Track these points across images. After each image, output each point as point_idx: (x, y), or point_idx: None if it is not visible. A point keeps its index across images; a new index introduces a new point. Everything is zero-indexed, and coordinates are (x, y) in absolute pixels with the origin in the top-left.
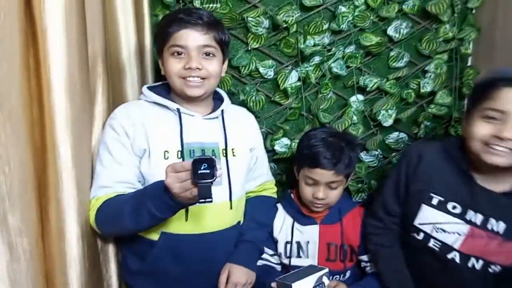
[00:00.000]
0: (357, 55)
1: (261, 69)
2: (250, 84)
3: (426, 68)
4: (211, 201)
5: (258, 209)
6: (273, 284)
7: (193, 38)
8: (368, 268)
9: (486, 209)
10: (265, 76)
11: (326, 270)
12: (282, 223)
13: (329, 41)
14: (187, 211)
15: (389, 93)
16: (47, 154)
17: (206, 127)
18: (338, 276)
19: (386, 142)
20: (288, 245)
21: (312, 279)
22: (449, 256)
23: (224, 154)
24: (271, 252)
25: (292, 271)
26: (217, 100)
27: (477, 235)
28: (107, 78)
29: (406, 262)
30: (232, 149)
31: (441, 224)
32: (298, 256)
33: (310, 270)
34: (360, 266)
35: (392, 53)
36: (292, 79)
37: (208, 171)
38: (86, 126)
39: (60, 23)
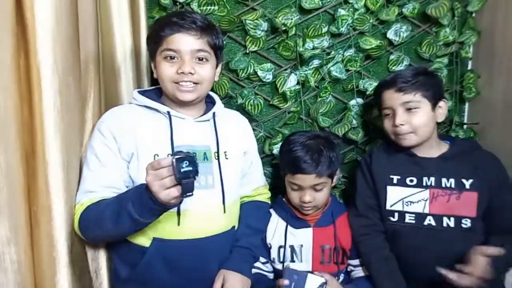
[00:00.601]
0: (357, 58)
1: (259, 72)
2: (248, 87)
3: None
4: (192, 195)
5: (253, 215)
6: (283, 282)
7: (186, 42)
8: (354, 273)
9: (435, 172)
10: (264, 80)
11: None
12: (275, 228)
13: (328, 44)
14: (179, 215)
15: None
16: (36, 159)
17: (197, 130)
18: None
19: None
20: (282, 250)
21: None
22: (425, 223)
23: (216, 157)
24: (263, 260)
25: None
26: (209, 103)
27: (438, 194)
28: (99, 81)
29: (392, 252)
30: (225, 152)
31: (408, 197)
32: (292, 260)
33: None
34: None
35: (392, 57)
36: (291, 83)
37: (191, 168)
38: (76, 130)
39: (50, 25)
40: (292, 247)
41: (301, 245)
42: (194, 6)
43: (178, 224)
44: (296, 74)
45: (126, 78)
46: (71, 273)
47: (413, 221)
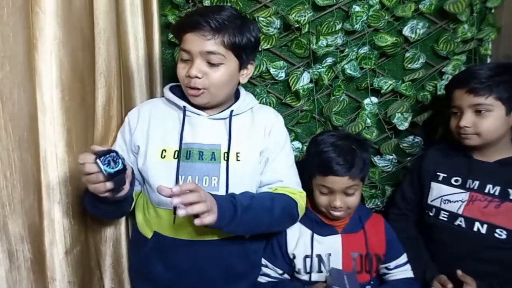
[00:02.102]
0: (371, 56)
1: (272, 70)
2: (261, 85)
3: (443, 70)
4: (123, 188)
5: (261, 195)
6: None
7: (196, 43)
8: (388, 276)
9: (482, 177)
10: (276, 78)
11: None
12: (298, 237)
13: (342, 42)
14: (175, 213)
15: (404, 95)
16: (50, 157)
17: (211, 127)
18: None
19: (401, 146)
20: (308, 260)
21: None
22: (456, 223)
23: (225, 158)
24: (280, 271)
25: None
26: (237, 99)
27: (476, 198)
28: (120, 80)
29: (424, 242)
30: (237, 153)
31: (447, 196)
32: (319, 271)
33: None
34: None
35: (407, 54)
36: (304, 81)
37: (119, 165)
38: (90, 127)
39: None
40: (319, 256)
41: (329, 254)
42: (207, 3)
43: (174, 223)
44: (309, 72)
45: (139, 81)
46: (84, 270)
47: (445, 219)
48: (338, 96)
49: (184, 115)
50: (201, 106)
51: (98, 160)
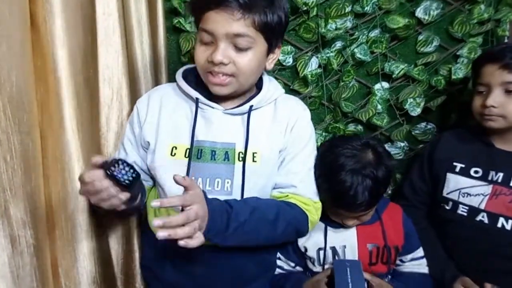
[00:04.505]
0: (382, 39)
1: (279, 56)
2: (268, 71)
3: (458, 53)
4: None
5: (264, 203)
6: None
7: (221, 23)
8: (400, 267)
9: (507, 168)
10: (284, 63)
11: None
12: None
13: (352, 25)
14: None
15: (417, 80)
16: (53, 139)
17: (225, 124)
18: None
19: (413, 133)
20: (322, 252)
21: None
22: (477, 218)
23: (241, 159)
24: (292, 264)
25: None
26: (259, 90)
27: (500, 192)
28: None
29: (439, 238)
30: (253, 153)
31: (466, 189)
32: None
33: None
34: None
35: (420, 37)
36: (312, 66)
37: (133, 171)
38: (96, 107)
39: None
40: (333, 248)
41: (344, 246)
42: None
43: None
44: (317, 57)
45: (144, 68)
46: (94, 258)
47: (465, 214)
48: (347, 82)
49: (197, 107)
50: (221, 97)
51: (110, 172)
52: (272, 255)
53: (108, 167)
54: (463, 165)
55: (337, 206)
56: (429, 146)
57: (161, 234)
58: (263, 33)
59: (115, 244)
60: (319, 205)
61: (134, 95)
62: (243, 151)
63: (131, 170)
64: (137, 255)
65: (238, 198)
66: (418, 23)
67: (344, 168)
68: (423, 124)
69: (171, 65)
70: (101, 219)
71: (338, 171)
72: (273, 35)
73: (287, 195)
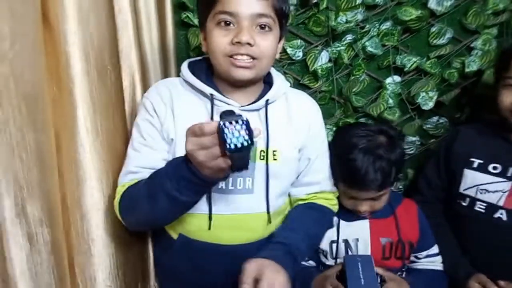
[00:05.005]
0: (394, 32)
1: (288, 50)
2: (277, 66)
3: (472, 45)
4: (247, 169)
5: (303, 216)
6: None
7: (246, 4)
8: (414, 264)
9: None
10: (293, 57)
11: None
12: None
13: (363, 17)
14: (210, 218)
15: (429, 73)
16: (67, 138)
17: None
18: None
19: (424, 127)
20: (334, 245)
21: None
22: (495, 215)
23: (262, 157)
24: (313, 264)
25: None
26: (267, 84)
27: None
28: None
29: (454, 234)
30: (274, 152)
31: (484, 185)
32: None
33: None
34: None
35: (433, 29)
36: (322, 60)
37: (244, 139)
38: (111, 105)
39: None
40: (346, 241)
41: (357, 239)
42: None
43: (209, 228)
44: (327, 51)
45: (154, 63)
46: (110, 257)
47: (482, 211)
48: (358, 76)
49: (213, 104)
50: (242, 83)
51: (222, 126)
52: None
53: (225, 119)
54: (481, 161)
55: (349, 186)
56: (445, 141)
57: None
58: (278, 18)
59: (130, 242)
60: (337, 193)
61: (145, 91)
62: (264, 149)
63: (247, 136)
64: (151, 254)
65: (262, 196)
66: (431, 15)
67: (356, 146)
68: (435, 119)
69: (180, 61)
70: (115, 218)
71: (351, 150)
72: (284, 22)
73: (315, 196)
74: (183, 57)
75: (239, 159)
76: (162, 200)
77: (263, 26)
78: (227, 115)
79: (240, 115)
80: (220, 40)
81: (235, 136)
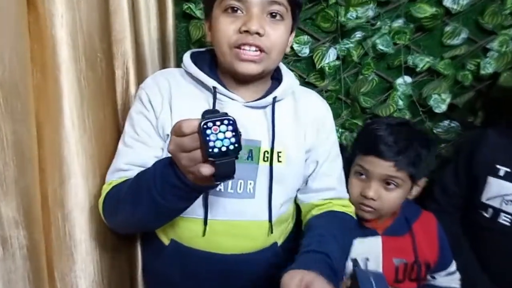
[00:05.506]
0: (406, 30)
1: (295, 46)
2: (282, 62)
3: (488, 46)
4: (233, 178)
5: (331, 227)
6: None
7: None
8: (431, 281)
9: None
10: (300, 54)
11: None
12: None
13: (374, 14)
14: (205, 224)
15: (442, 74)
16: (51, 130)
17: (247, 118)
18: None
19: (435, 131)
20: None
21: None
22: None
23: (266, 159)
24: None
25: None
26: (276, 81)
27: None
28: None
29: (472, 247)
30: (279, 153)
31: (511, 196)
32: None
33: None
34: None
35: (447, 28)
36: (329, 58)
37: (231, 141)
38: (101, 96)
39: None
40: (355, 260)
41: (367, 258)
42: None
43: (203, 235)
44: (335, 48)
45: (151, 55)
46: (94, 262)
47: (508, 223)
48: (367, 75)
49: (215, 98)
50: (248, 77)
51: (204, 126)
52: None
53: (206, 119)
54: (508, 169)
55: (366, 152)
56: (468, 145)
57: None
58: (291, 6)
59: (117, 247)
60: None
61: (140, 83)
62: (269, 150)
63: (233, 139)
64: (139, 259)
65: (264, 202)
66: (446, 13)
67: (385, 122)
68: (446, 122)
69: (180, 54)
70: (101, 219)
71: (375, 122)
72: (298, 12)
73: (330, 202)
74: (183, 50)
75: (223, 165)
76: (145, 203)
77: (274, 14)
78: (210, 113)
79: (226, 114)
80: (226, 28)
81: (219, 138)
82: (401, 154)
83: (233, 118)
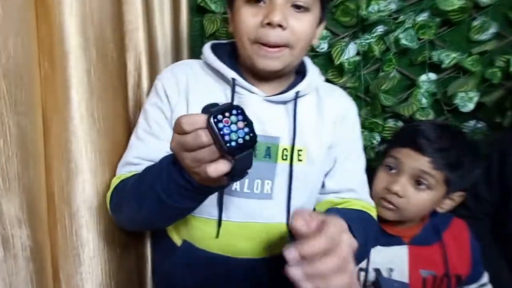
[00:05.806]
0: (431, 24)
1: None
2: None
3: None
4: (247, 174)
5: (351, 215)
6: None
7: None
8: None
9: None
10: (318, 49)
11: None
12: None
13: (397, 7)
14: (219, 225)
15: (468, 72)
16: (58, 123)
17: (267, 113)
18: None
19: None
20: (362, 273)
21: None
22: None
23: (285, 157)
24: None
25: None
26: (300, 75)
27: None
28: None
29: (506, 258)
30: (299, 151)
31: None
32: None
33: None
34: None
35: (475, 23)
36: (349, 53)
37: (246, 132)
38: (112, 89)
39: None
40: (378, 271)
41: (391, 269)
42: None
43: (216, 236)
44: (356, 43)
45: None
46: (101, 263)
47: None
48: (388, 72)
49: (233, 91)
50: (266, 74)
51: (214, 121)
52: None
53: (213, 112)
54: None
55: (403, 144)
56: (499, 149)
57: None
58: None
59: (126, 247)
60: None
61: (153, 77)
62: (288, 147)
63: (247, 129)
64: (149, 259)
65: (282, 203)
66: (474, 6)
67: (430, 121)
68: (472, 123)
69: (194, 48)
70: (110, 217)
71: (423, 122)
72: (327, 2)
73: (349, 201)
74: (197, 45)
75: (241, 160)
76: (151, 201)
77: (298, 6)
78: (212, 107)
79: (231, 103)
80: (248, 20)
81: (233, 130)
82: (441, 152)
83: (241, 106)
